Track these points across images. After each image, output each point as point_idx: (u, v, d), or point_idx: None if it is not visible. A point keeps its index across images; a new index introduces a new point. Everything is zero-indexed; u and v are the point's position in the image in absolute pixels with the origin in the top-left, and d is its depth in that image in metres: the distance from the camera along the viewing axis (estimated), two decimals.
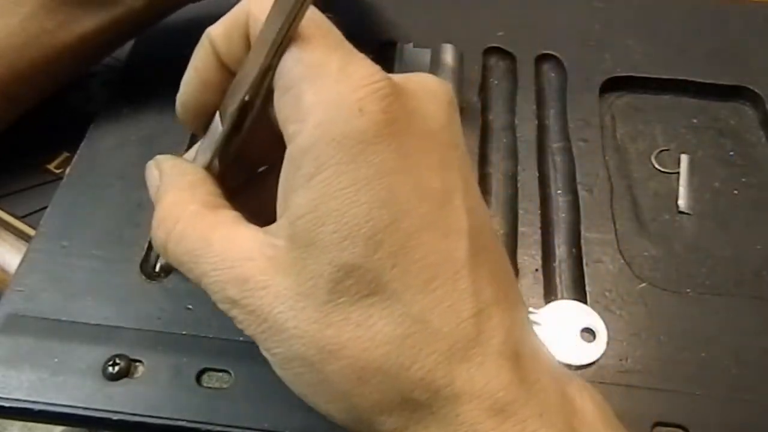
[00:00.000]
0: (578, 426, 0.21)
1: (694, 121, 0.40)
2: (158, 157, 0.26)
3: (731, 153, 0.39)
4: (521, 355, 0.21)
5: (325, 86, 0.20)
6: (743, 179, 0.37)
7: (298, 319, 0.20)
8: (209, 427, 0.28)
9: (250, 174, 0.28)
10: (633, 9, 0.45)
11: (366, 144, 0.20)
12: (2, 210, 0.37)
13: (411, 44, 0.40)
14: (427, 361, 0.20)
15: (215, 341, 0.30)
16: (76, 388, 0.28)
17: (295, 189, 0.20)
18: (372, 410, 0.20)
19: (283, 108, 0.21)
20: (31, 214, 0.37)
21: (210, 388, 0.29)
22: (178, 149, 0.37)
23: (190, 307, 0.31)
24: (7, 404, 0.28)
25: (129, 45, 0.41)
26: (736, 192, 0.37)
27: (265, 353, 0.22)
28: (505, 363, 0.20)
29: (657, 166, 0.38)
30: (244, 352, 0.29)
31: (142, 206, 0.34)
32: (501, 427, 0.20)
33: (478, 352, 0.20)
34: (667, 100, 0.41)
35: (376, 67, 0.21)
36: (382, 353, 0.20)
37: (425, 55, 0.40)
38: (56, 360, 0.29)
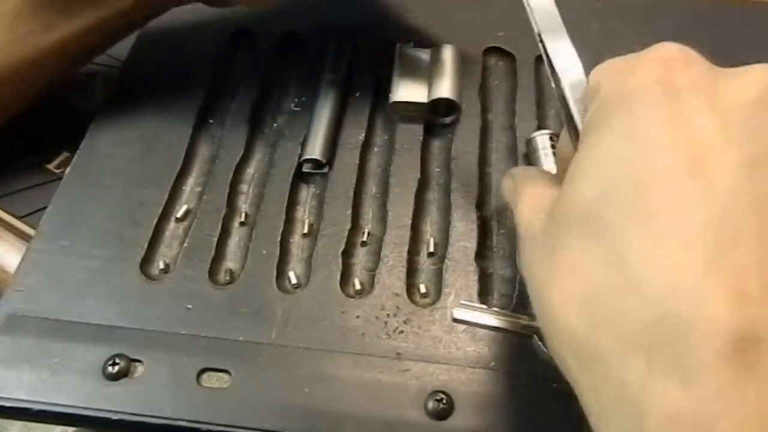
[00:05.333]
0: None
1: None
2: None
3: None
4: None
5: None
6: None
7: None
8: (209, 427, 0.28)
9: None
10: (633, 9, 0.45)
11: None
12: (2, 210, 0.37)
13: (411, 44, 0.40)
14: None
15: (215, 341, 0.30)
16: (76, 388, 0.28)
17: None
18: None
19: None
20: (31, 214, 0.37)
21: (210, 388, 0.29)
22: (178, 149, 0.37)
23: (190, 307, 0.31)
24: (7, 404, 0.28)
25: (129, 45, 0.41)
26: None
27: None
28: None
29: None
30: (244, 352, 0.30)
31: (143, 206, 0.34)
32: None
33: None
34: None
35: None
36: None
37: (425, 55, 0.40)
38: (56, 360, 0.29)
